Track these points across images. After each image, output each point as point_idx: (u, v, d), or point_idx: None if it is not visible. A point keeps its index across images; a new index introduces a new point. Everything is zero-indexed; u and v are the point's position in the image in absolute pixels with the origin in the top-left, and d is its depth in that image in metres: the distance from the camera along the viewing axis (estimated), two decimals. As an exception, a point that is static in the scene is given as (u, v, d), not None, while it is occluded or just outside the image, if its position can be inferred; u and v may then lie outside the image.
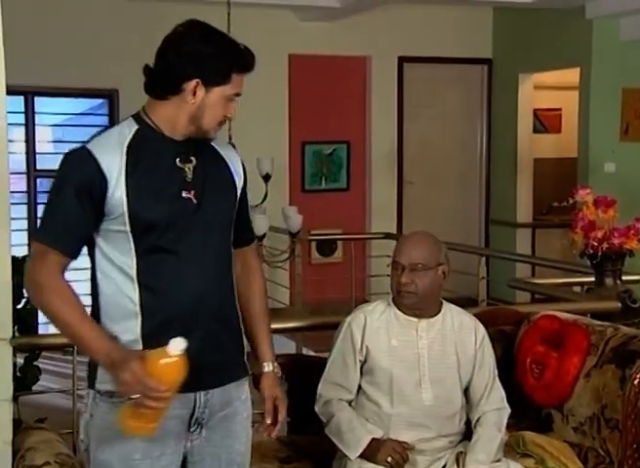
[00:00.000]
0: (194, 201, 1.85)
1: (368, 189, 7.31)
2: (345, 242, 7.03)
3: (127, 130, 1.84)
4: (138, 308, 1.81)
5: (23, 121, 6.24)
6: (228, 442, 1.95)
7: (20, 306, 3.27)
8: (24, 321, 3.29)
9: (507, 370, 2.88)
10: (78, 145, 1.84)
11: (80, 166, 1.79)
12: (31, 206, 6.30)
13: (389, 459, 2.35)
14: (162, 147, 1.85)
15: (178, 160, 1.85)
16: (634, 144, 6.42)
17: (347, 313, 2.61)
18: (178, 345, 1.64)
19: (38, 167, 6.28)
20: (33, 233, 1.84)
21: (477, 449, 2.42)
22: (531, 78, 7.22)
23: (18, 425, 2.46)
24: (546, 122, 7.82)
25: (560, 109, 7.80)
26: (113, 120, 6.37)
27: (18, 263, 2.27)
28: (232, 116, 1.88)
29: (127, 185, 1.78)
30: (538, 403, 2.89)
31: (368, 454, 2.37)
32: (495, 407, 2.52)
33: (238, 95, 1.86)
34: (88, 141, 1.83)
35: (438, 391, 2.47)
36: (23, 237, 6.23)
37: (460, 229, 7.38)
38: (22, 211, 6.23)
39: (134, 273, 1.81)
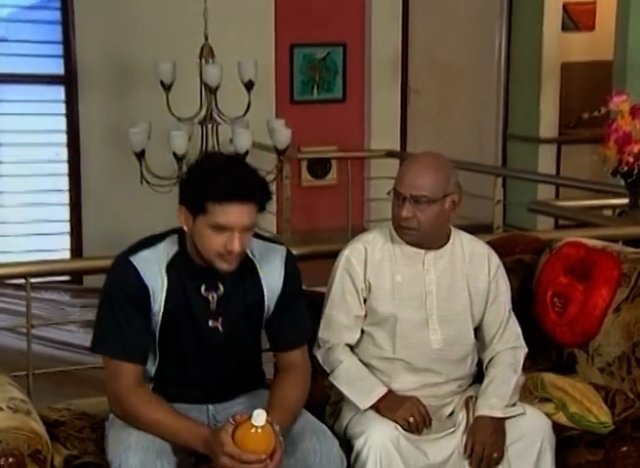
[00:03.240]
0: (220, 329, 2.27)
1: (367, 100, 7.22)
2: (341, 161, 6.99)
3: (169, 249, 2.24)
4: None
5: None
6: None
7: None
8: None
9: (526, 304, 2.91)
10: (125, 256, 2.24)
11: (131, 281, 2.21)
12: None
13: (411, 420, 2.36)
14: (192, 272, 2.24)
15: (203, 288, 2.24)
16: (681, 43, 6.32)
17: (344, 242, 2.61)
18: (261, 417, 1.99)
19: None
20: (99, 347, 2.29)
21: (489, 393, 2.46)
22: (559, -34, 7.09)
23: (-36, 367, 2.48)
24: (578, 18, 7.69)
25: (594, 2, 7.66)
26: (67, 15, 6.22)
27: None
28: (234, 250, 2.15)
29: (165, 305, 2.21)
30: (559, 341, 2.92)
31: (382, 408, 2.39)
32: (509, 345, 2.55)
33: (226, 227, 2.13)
34: (133, 253, 2.23)
35: (448, 332, 2.49)
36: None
37: (474, 146, 7.34)
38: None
39: (152, 372, 2.31)
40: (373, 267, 2.50)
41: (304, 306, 2.42)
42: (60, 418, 2.50)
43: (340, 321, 2.51)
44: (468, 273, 2.53)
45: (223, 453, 2.04)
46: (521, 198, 5.90)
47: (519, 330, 2.59)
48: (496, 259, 2.58)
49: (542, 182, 6.53)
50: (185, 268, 2.24)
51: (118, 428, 2.23)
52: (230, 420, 2.07)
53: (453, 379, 2.53)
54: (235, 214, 2.13)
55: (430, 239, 2.49)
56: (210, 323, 2.27)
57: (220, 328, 2.28)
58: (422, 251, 2.50)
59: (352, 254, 2.52)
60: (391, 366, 2.49)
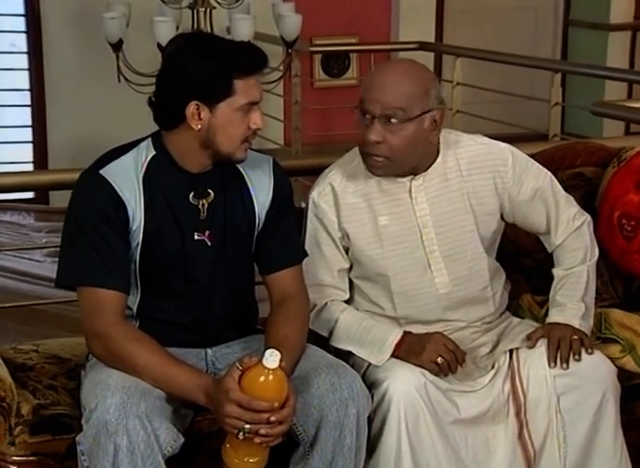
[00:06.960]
0: (208, 243, 2.32)
1: (395, -22, 7.18)
2: (362, 56, 6.99)
3: (142, 156, 2.29)
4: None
5: None
6: None
7: None
8: None
9: (587, 226, 2.93)
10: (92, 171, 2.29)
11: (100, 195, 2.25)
12: None
13: (439, 360, 2.38)
14: (176, 180, 2.29)
15: (191, 195, 2.30)
16: None
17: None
18: (274, 357, 2.02)
19: None
20: (71, 277, 2.29)
21: (559, 301, 2.52)
22: None
23: None
24: None
25: None
26: None
27: None
28: (259, 126, 2.24)
29: (145, 218, 2.25)
30: (628, 271, 2.95)
31: (402, 355, 2.40)
32: (569, 231, 2.57)
33: (253, 102, 2.22)
34: (102, 166, 2.26)
35: (455, 269, 2.51)
36: None
37: (527, 34, 7.31)
38: None
39: (134, 309, 2.35)
40: (347, 212, 2.49)
41: (293, 225, 2.46)
42: (27, 361, 2.56)
43: (322, 279, 2.52)
44: (469, 190, 2.51)
45: (229, 401, 2.05)
46: (584, 100, 5.85)
47: (573, 208, 2.60)
48: (509, 156, 2.53)
49: (612, 79, 6.42)
50: (166, 174, 2.29)
51: (96, 371, 2.24)
52: (237, 365, 2.08)
53: (473, 321, 2.57)
54: (257, 85, 2.24)
55: (406, 166, 2.46)
56: (196, 236, 2.32)
57: (208, 241, 2.33)
58: (405, 179, 2.48)
59: (320, 198, 2.51)
60: (395, 323, 2.51)
